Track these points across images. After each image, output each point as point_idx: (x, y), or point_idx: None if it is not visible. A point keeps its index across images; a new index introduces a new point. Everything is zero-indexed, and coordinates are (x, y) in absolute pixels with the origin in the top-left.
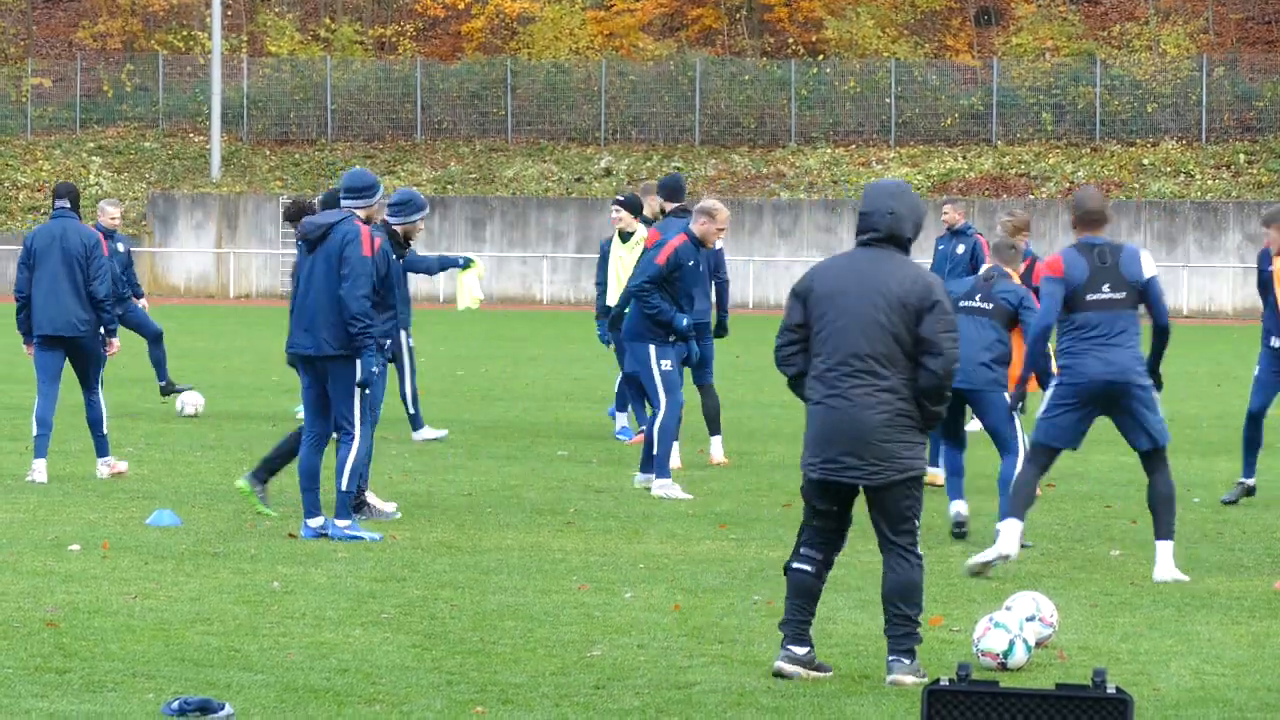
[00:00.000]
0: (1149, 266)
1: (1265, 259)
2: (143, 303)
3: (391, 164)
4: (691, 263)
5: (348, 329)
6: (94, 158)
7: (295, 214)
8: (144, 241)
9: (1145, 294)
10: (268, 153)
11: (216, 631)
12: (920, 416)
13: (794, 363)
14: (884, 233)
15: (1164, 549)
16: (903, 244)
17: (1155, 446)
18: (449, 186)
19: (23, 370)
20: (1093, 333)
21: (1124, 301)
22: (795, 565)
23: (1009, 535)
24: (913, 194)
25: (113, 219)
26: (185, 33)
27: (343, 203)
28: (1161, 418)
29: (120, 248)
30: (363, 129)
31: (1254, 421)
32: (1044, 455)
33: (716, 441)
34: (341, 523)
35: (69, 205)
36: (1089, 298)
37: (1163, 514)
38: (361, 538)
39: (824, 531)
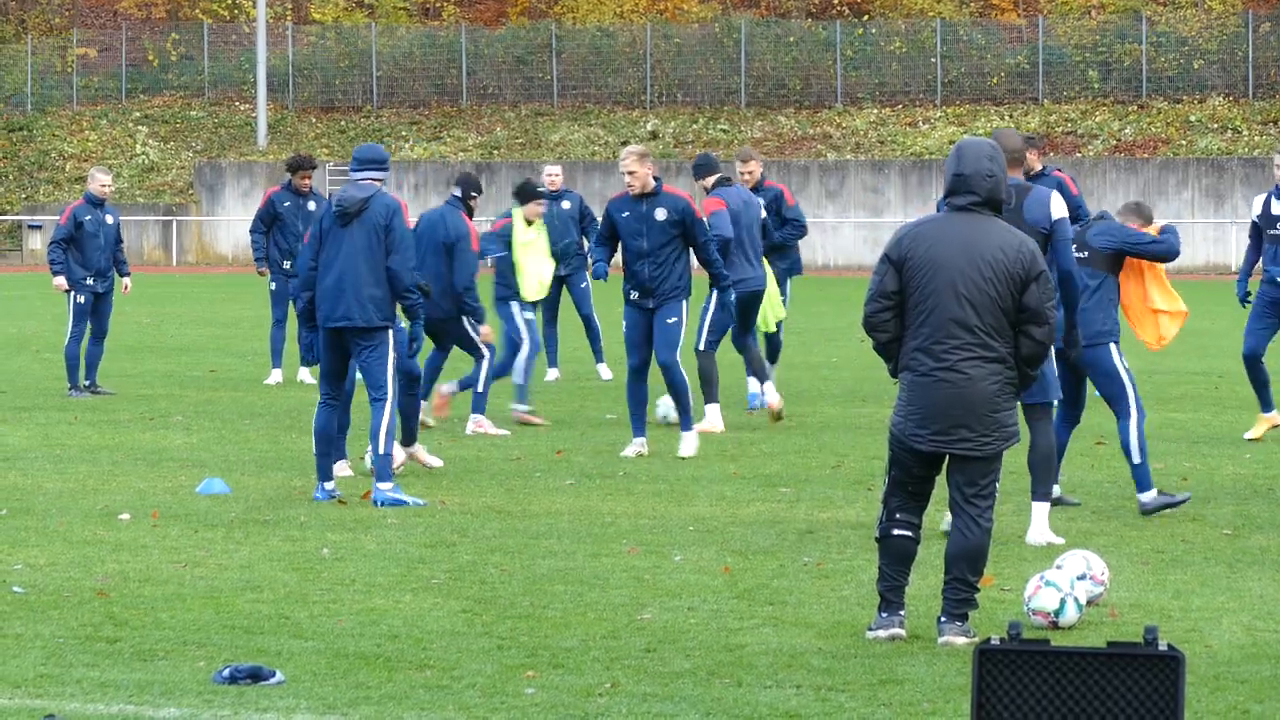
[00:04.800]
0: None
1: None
2: (126, 282)
3: (437, 130)
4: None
5: (402, 299)
6: (140, 127)
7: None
8: (191, 210)
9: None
10: (313, 120)
11: (267, 599)
12: (1018, 382)
13: (887, 329)
14: (984, 196)
15: (1039, 510)
16: (999, 207)
17: None
18: (495, 152)
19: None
20: None
21: None
22: (896, 533)
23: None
24: (1002, 153)
25: (104, 187)
26: (229, 1)
27: (359, 175)
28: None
29: (109, 219)
30: (408, 95)
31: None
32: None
33: (769, 386)
34: (384, 485)
35: (459, 195)
36: None
37: (1041, 474)
38: (405, 502)
39: (919, 496)
